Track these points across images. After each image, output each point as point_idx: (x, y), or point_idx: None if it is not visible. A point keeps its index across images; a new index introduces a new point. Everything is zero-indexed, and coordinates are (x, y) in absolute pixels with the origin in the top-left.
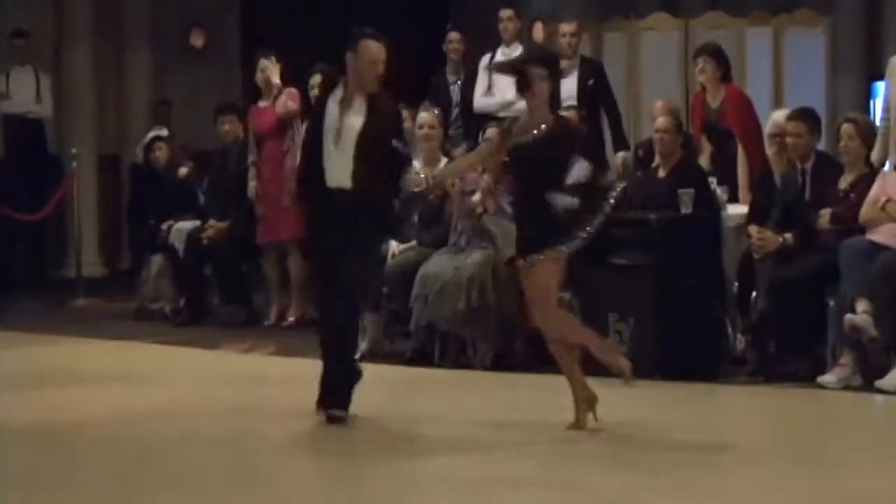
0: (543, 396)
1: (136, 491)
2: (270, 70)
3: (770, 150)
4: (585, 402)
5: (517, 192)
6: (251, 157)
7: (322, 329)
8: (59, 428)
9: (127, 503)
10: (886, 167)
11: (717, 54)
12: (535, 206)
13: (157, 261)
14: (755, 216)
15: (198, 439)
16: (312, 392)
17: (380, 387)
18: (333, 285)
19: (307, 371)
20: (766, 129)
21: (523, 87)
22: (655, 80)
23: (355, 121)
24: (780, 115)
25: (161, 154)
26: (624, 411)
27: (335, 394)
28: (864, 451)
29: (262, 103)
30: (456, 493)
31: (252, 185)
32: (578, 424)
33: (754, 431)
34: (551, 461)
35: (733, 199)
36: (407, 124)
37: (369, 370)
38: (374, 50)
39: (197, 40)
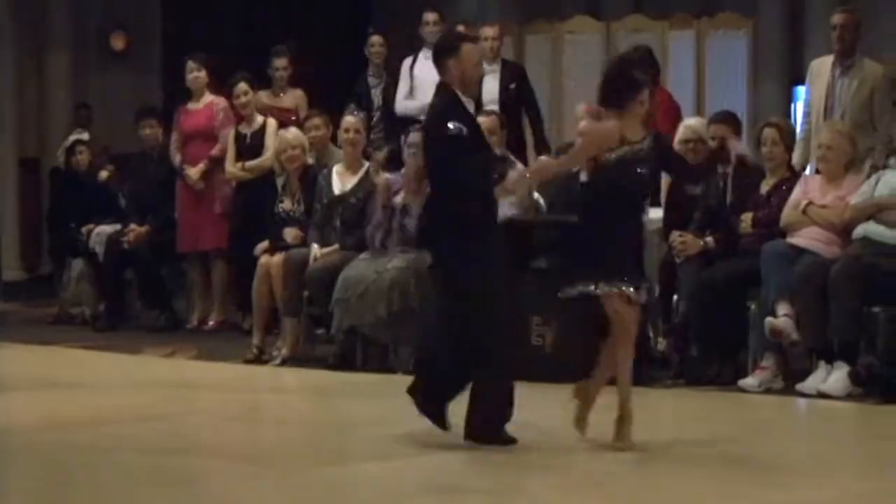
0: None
1: (63, 499)
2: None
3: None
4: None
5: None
6: (177, 159)
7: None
8: None
9: None
10: (807, 171)
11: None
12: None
13: (77, 265)
14: (672, 222)
15: (125, 446)
16: (236, 395)
17: (305, 392)
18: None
19: (229, 375)
20: (679, 134)
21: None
22: (577, 83)
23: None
24: (693, 122)
25: (82, 158)
26: (552, 416)
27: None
28: (785, 455)
29: (191, 105)
30: (385, 499)
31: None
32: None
33: (678, 435)
34: (480, 467)
35: (656, 203)
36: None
37: (292, 375)
38: (477, 52)
39: (117, 43)
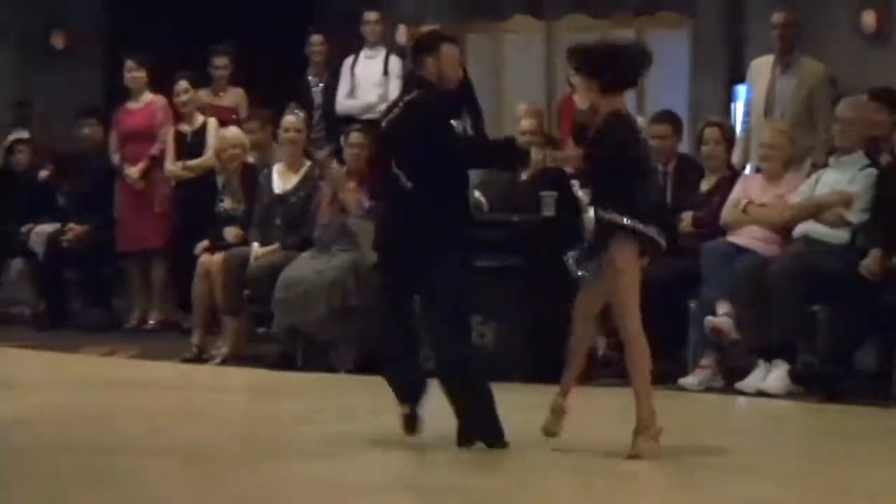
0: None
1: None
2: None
3: None
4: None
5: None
6: (117, 158)
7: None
8: None
9: None
10: (747, 170)
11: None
12: None
13: (17, 264)
14: None
15: (60, 445)
16: (174, 394)
17: (244, 390)
18: None
19: (169, 374)
20: None
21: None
22: (519, 82)
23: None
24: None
25: (22, 157)
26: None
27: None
28: (724, 453)
29: (130, 105)
30: (325, 497)
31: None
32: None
33: (617, 433)
34: (418, 464)
35: None
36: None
37: (231, 374)
38: (455, 53)
39: (58, 42)
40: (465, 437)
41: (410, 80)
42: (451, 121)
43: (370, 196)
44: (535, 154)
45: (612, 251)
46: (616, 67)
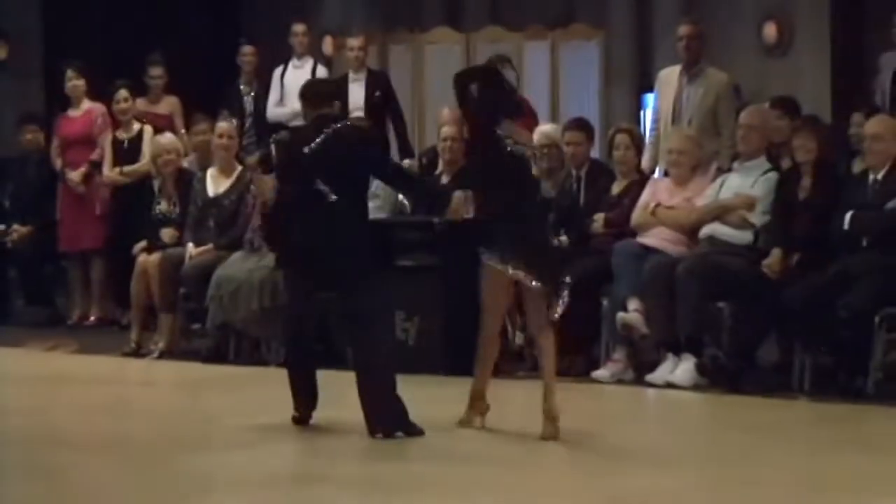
0: (332, 393)
1: None
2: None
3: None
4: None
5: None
6: (59, 163)
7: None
8: None
9: None
10: (656, 174)
11: (509, 65)
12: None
13: None
14: None
15: None
16: (109, 388)
17: (177, 384)
18: None
19: (107, 368)
20: (535, 139)
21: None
22: (439, 90)
23: None
24: (548, 128)
25: None
26: (410, 407)
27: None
28: (633, 444)
29: (70, 112)
30: (240, 486)
31: (72, 175)
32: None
33: (531, 424)
34: (341, 457)
35: None
36: (203, 137)
37: (166, 368)
38: None
39: (0, 51)
40: (380, 428)
41: (321, 117)
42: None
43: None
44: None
45: None
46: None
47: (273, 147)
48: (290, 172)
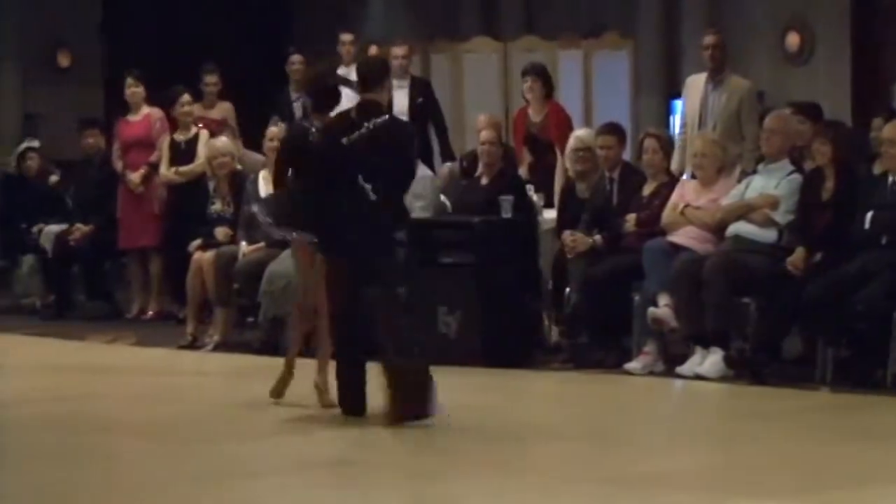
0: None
1: None
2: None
3: (571, 164)
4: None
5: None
6: (119, 165)
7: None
8: None
9: None
10: (685, 176)
11: (543, 74)
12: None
13: (28, 261)
14: (564, 222)
15: (55, 424)
16: (166, 378)
17: (229, 374)
18: None
19: (163, 359)
20: (570, 143)
21: None
22: (477, 96)
23: None
24: (582, 133)
25: (32, 163)
26: (449, 396)
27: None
28: (662, 431)
29: (130, 117)
30: (294, 473)
31: (132, 177)
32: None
33: (565, 413)
34: (384, 443)
35: (549, 204)
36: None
37: (220, 359)
38: None
39: (63, 60)
40: (399, 416)
41: (367, 104)
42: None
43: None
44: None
45: None
46: None
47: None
48: (327, 159)
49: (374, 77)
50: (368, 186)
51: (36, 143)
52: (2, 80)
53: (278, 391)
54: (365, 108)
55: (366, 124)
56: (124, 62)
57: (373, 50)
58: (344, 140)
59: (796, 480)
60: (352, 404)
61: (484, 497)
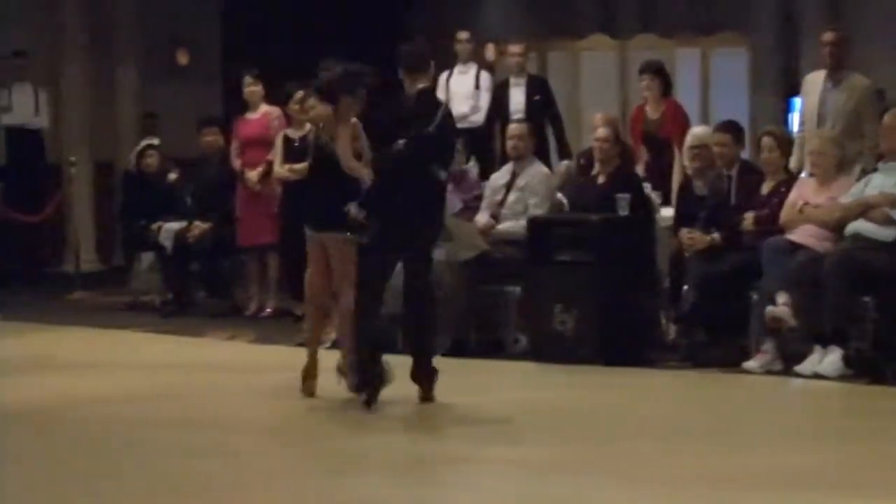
0: (488, 379)
1: (97, 463)
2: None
3: (689, 161)
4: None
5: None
6: (238, 163)
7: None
8: (46, 409)
9: (83, 475)
10: (803, 174)
11: (660, 72)
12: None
13: (147, 258)
14: (681, 219)
15: (171, 421)
16: (285, 376)
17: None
18: None
19: (282, 357)
20: (687, 141)
21: None
22: (594, 94)
23: None
24: (699, 130)
25: (152, 161)
26: (565, 393)
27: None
28: (780, 430)
29: (248, 115)
30: (400, 468)
31: (250, 175)
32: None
33: (681, 412)
34: (487, 439)
35: (666, 202)
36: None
37: (336, 357)
38: None
39: (182, 58)
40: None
41: (426, 93)
42: None
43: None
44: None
45: None
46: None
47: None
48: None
49: (422, 64)
50: (444, 174)
51: (156, 141)
52: (121, 79)
53: (309, 388)
54: (425, 98)
55: (436, 114)
56: (243, 60)
57: (489, 48)
58: (430, 128)
59: None
60: (368, 396)
61: (602, 496)
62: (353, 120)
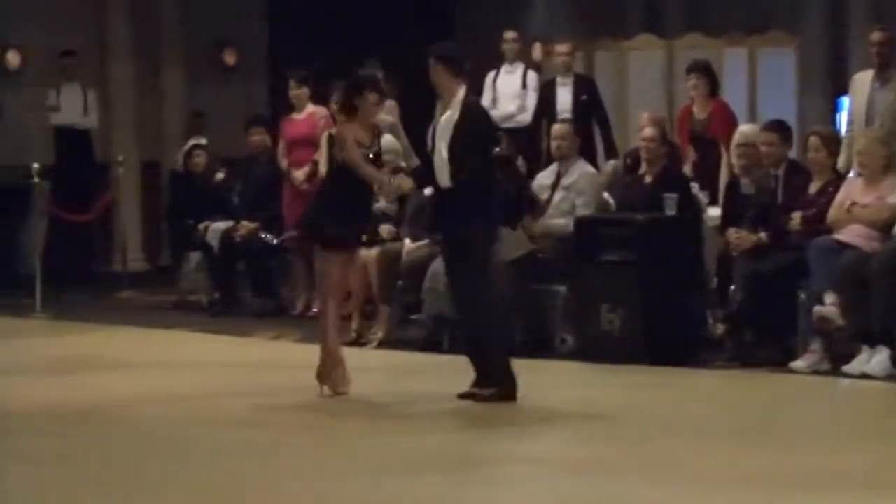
0: (535, 379)
1: (139, 463)
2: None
3: (736, 160)
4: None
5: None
6: (284, 163)
7: None
8: (93, 408)
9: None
10: (851, 174)
11: (707, 71)
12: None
13: (194, 257)
14: (728, 219)
15: (213, 419)
16: None
17: (390, 371)
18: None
19: None
20: (735, 139)
21: None
22: (641, 94)
23: None
24: (746, 128)
25: (199, 160)
26: (612, 393)
27: None
28: (828, 429)
29: (295, 115)
30: (451, 467)
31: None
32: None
33: (729, 411)
34: (533, 438)
35: (713, 202)
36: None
37: (382, 356)
38: None
39: (228, 58)
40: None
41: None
42: None
43: None
44: None
45: None
46: None
47: None
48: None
49: (461, 65)
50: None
51: (203, 141)
52: (168, 79)
53: (335, 385)
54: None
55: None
56: (289, 59)
57: (536, 47)
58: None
59: None
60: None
61: (651, 495)
62: (384, 117)
